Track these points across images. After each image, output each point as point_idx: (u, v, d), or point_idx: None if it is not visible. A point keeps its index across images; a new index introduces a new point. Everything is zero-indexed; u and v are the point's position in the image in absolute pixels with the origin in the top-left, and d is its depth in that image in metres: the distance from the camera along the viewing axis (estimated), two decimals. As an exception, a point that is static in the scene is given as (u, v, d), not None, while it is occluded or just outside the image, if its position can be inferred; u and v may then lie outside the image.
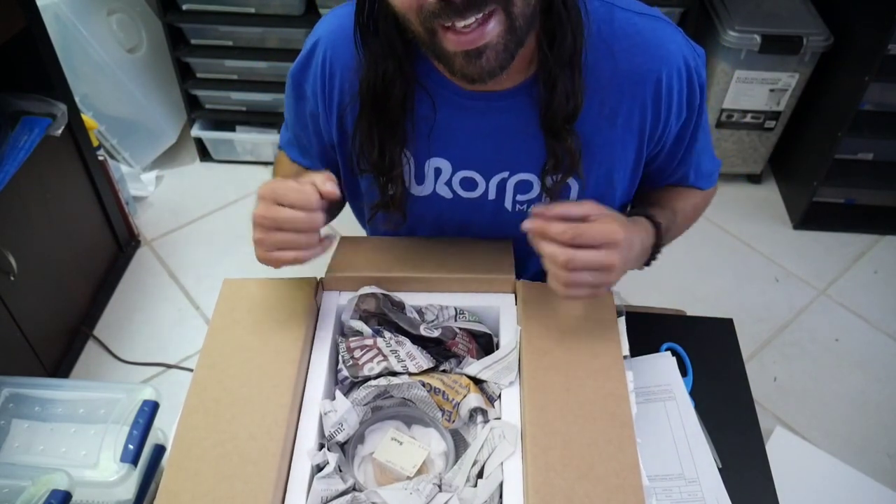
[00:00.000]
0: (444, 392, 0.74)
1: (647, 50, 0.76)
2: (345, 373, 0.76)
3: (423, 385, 0.74)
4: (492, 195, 0.85)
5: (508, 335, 0.78)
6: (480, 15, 0.63)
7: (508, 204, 0.86)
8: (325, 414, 0.72)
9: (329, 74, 0.82)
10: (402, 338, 0.78)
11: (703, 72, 0.81)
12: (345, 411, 0.72)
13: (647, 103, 0.79)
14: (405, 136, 0.80)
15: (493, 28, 0.65)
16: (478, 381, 0.76)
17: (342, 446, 0.73)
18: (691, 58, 0.79)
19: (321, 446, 0.71)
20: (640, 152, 0.84)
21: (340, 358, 0.77)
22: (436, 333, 0.77)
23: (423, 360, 0.76)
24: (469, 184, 0.85)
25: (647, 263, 0.84)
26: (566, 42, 0.71)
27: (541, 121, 0.77)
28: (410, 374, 0.75)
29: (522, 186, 0.84)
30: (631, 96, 0.78)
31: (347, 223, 1.11)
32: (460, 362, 0.78)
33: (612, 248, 0.68)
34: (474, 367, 0.76)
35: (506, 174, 0.83)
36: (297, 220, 0.68)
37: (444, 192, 0.86)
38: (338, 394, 0.74)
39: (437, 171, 0.84)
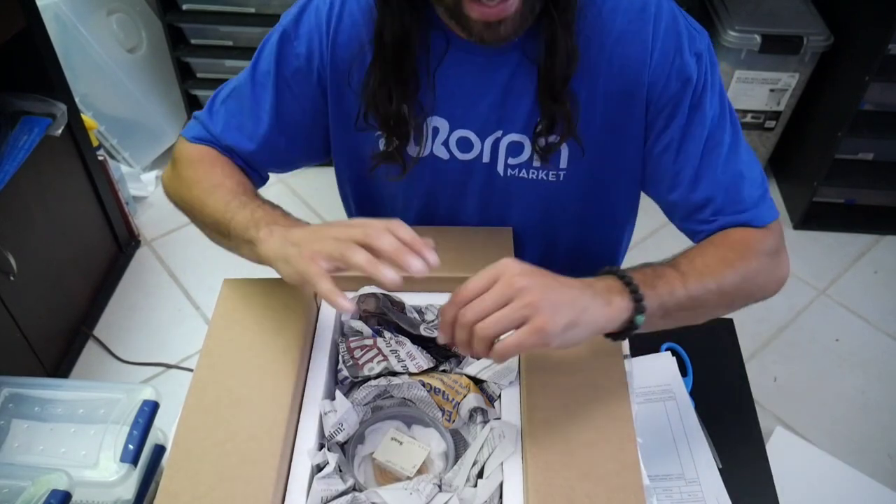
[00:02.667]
0: (444, 392, 0.74)
1: (632, 12, 0.78)
2: (345, 373, 0.76)
3: (423, 385, 0.74)
4: (486, 157, 0.87)
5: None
6: None
7: (501, 168, 0.87)
8: (325, 414, 0.72)
9: (336, 22, 0.82)
10: (402, 338, 0.78)
11: (701, 45, 0.79)
12: (345, 411, 0.72)
13: (630, 61, 0.78)
14: (416, 88, 0.81)
15: (513, 3, 0.69)
16: (478, 381, 0.76)
17: (342, 446, 0.73)
18: (683, 26, 0.78)
19: (321, 446, 0.71)
20: (625, 119, 0.82)
21: (340, 358, 0.77)
22: (436, 333, 0.77)
23: (423, 360, 0.76)
24: (465, 144, 0.86)
25: (624, 334, 0.68)
26: (569, 4, 0.73)
27: (540, 83, 0.78)
28: (410, 374, 0.75)
29: (514, 148, 0.85)
30: (617, 55, 0.78)
31: (340, 215, 1.11)
32: (460, 362, 0.78)
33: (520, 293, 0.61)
34: (474, 367, 0.76)
35: (499, 133, 0.85)
36: (395, 247, 0.62)
37: (441, 152, 0.87)
38: (338, 394, 0.73)
39: (435, 131, 0.86)
